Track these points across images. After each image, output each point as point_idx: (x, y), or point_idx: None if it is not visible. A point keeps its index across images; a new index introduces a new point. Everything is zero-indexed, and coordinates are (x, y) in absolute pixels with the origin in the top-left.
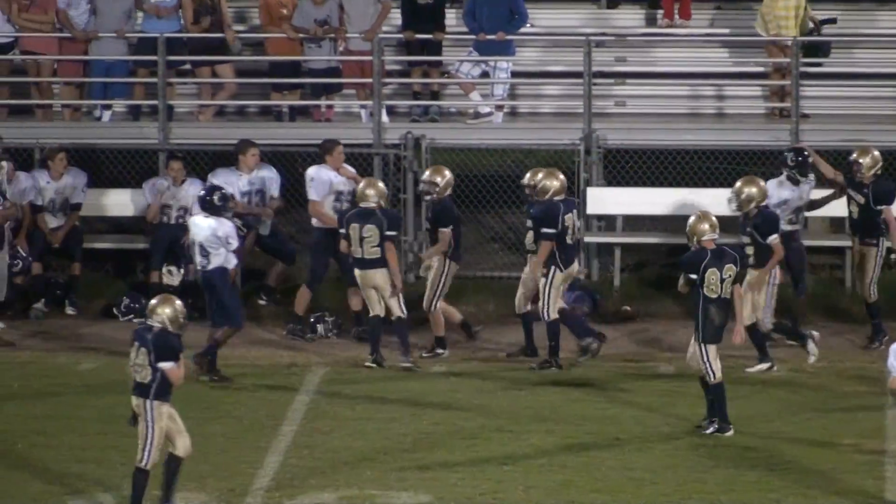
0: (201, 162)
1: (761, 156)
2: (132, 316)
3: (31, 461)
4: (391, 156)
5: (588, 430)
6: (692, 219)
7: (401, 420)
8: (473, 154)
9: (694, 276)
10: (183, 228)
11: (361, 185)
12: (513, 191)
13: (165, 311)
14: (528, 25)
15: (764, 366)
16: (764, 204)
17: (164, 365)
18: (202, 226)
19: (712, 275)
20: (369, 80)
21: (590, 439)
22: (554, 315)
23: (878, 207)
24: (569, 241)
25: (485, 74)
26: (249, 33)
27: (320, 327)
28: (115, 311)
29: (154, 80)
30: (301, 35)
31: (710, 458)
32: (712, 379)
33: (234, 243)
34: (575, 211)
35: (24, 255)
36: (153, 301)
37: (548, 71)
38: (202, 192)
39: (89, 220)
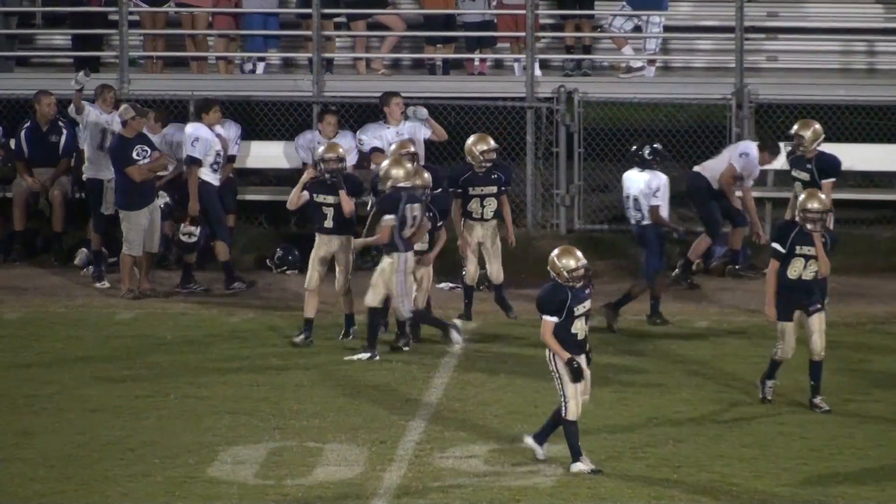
0: (346, 115)
1: None
2: (285, 268)
3: (183, 412)
4: (543, 109)
5: (739, 387)
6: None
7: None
8: (625, 108)
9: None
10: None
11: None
12: (665, 144)
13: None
14: None
15: None
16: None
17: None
18: (636, 180)
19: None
20: (522, 34)
21: (741, 397)
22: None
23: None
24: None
25: (637, 29)
26: None
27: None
28: (268, 262)
29: (309, 32)
30: None
31: (859, 415)
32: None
33: (660, 198)
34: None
35: (197, 231)
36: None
37: (700, 25)
38: (635, 148)
39: (244, 172)
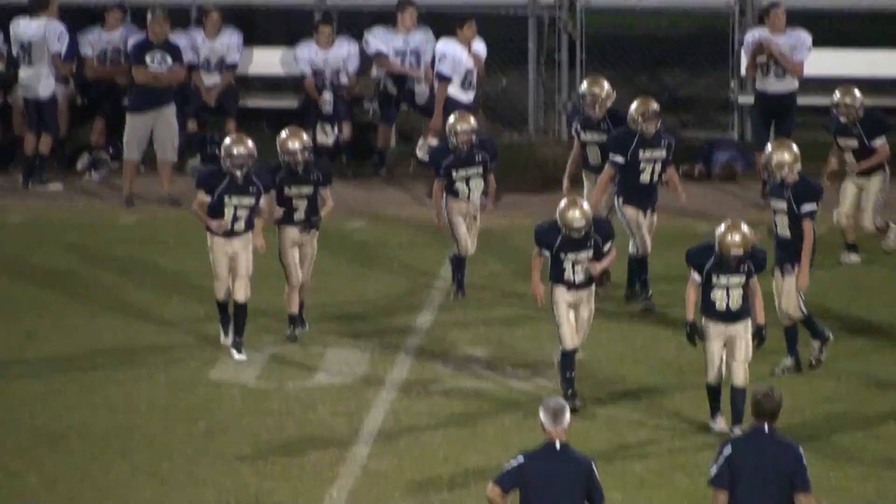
0: (358, 23)
1: None
2: None
3: (186, 317)
4: (545, 16)
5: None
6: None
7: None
8: (627, 15)
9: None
10: (338, 88)
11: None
12: (668, 51)
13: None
14: None
15: None
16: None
17: None
18: None
19: None
20: None
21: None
22: None
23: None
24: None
25: None
26: None
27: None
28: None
29: None
30: None
31: None
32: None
33: None
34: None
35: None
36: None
37: None
38: None
39: (245, 78)
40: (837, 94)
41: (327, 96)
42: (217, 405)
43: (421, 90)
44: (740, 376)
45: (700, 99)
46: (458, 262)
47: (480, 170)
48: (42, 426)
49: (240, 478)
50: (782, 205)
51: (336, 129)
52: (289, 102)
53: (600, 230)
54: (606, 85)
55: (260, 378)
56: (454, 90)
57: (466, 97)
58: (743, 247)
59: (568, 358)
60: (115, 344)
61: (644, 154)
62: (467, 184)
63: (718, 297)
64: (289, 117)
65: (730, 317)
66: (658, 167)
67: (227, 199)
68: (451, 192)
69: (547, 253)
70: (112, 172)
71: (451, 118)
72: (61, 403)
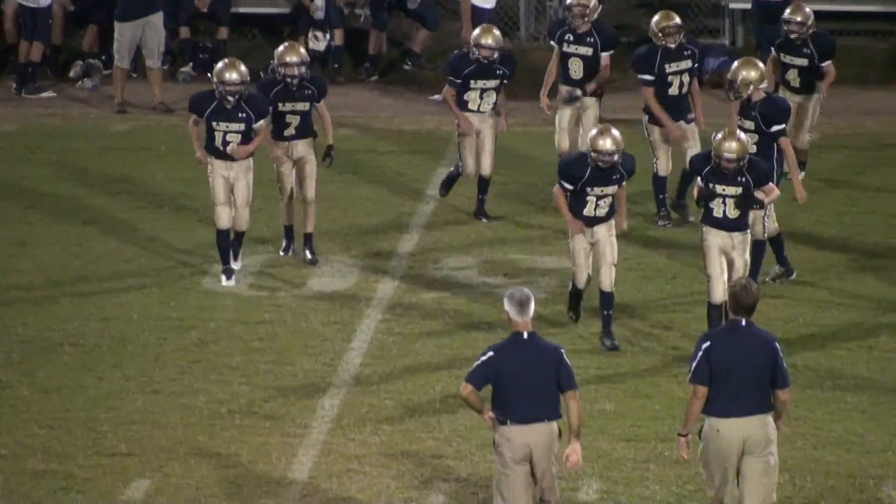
0: None
1: None
2: None
3: (178, 224)
4: None
5: None
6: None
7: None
8: None
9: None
10: None
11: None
12: None
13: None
14: None
15: None
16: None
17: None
18: None
19: None
20: None
21: None
22: None
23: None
24: None
25: None
26: None
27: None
28: (261, 74)
29: None
30: None
31: None
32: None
33: None
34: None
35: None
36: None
37: None
38: None
39: None
40: (788, 11)
41: (319, 2)
42: (209, 314)
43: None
44: (741, 271)
45: (691, 4)
46: (453, 179)
47: (498, 83)
48: (34, 337)
49: (231, 387)
50: (750, 125)
51: (328, 35)
52: (281, 8)
53: (625, 164)
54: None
55: (252, 287)
56: None
57: (488, 4)
58: (738, 153)
59: (577, 295)
60: (107, 253)
61: (670, 68)
62: (481, 95)
63: (716, 206)
64: (281, 23)
65: (729, 225)
66: (686, 78)
67: (214, 123)
68: (461, 102)
69: (570, 187)
70: (105, 80)
71: (476, 31)
72: (53, 314)
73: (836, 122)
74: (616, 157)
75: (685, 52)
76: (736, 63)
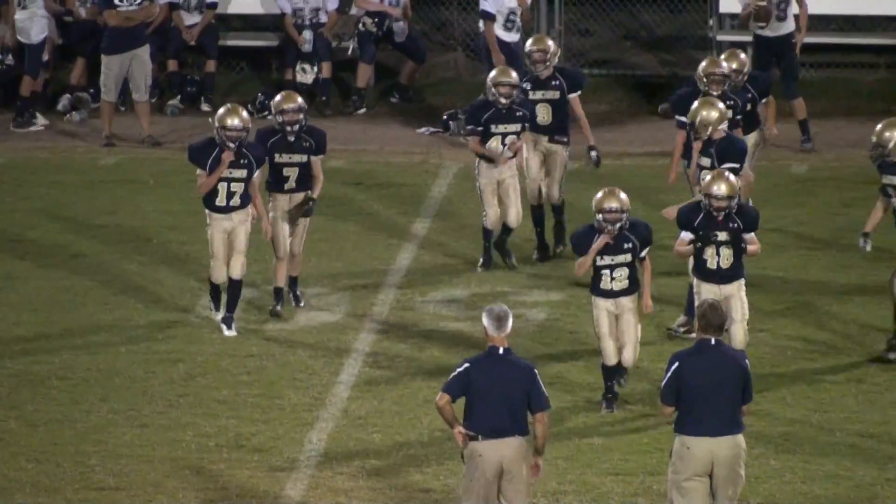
0: None
1: None
2: (266, 113)
3: (166, 257)
4: None
5: None
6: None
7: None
8: None
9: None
10: (317, 27)
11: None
12: None
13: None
14: None
15: None
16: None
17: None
18: None
19: None
20: None
21: None
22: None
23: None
24: None
25: None
26: None
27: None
28: (249, 107)
29: None
30: None
31: None
32: None
33: None
34: None
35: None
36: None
37: None
38: None
39: (225, 17)
40: (724, 61)
41: (307, 35)
42: (197, 348)
43: (400, 28)
44: (739, 337)
45: (678, 37)
46: (487, 234)
47: (519, 128)
48: (22, 371)
49: (219, 421)
50: (706, 162)
51: (315, 67)
52: (269, 41)
53: (637, 231)
54: (551, 42)
55: (239, 320)
56: (497, 30)
57: (510, 37)
58: (728, 192)
59: (609, 371)
60: (94, 286)
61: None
62: (502, 141)
63: (710, 257)
64: (269, 56)
65: (724, 276)
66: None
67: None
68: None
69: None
70: (93, 113)
71: (493, 72)
72: (41, 347)
73: (825, 155)
74: (623, 217)
75: (727, 102)
76: (696, 103)
